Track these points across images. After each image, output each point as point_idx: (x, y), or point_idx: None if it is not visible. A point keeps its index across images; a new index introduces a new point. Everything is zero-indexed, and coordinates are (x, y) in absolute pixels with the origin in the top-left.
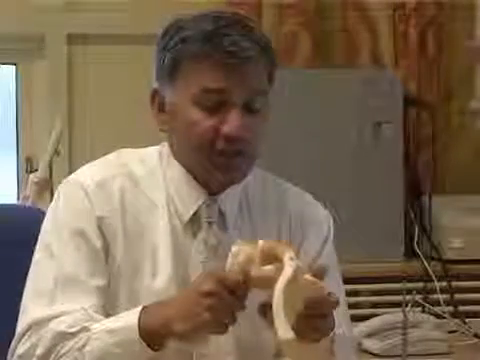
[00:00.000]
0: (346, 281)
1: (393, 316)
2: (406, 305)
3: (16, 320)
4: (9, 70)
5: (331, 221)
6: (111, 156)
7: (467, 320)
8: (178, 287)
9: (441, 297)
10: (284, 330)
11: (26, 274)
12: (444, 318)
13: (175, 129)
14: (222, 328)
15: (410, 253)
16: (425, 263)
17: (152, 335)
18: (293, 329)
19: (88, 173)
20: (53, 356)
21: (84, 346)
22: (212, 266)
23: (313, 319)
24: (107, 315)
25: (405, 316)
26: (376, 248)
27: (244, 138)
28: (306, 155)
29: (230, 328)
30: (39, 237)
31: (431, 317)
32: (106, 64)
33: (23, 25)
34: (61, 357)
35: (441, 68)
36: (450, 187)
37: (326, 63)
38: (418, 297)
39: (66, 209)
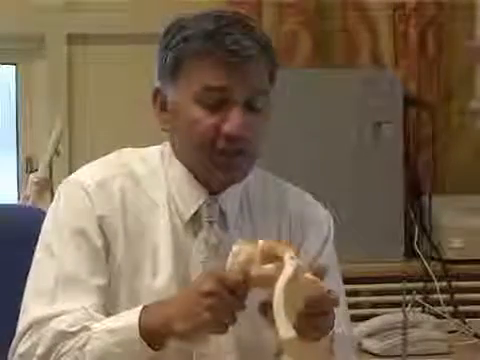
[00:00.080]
0: (346, 281)
1: (393, 316)
2: (406, 305)
3: (16, 320)
4: (9, 70)
5: (331, 221)
6: (111, 156)
7: (467, 320)
8: (178, 286)
9: (441, 297)
10: (285, 329)
11: (26, 274)
12: (444, 318)
13: (177, 128)
14: (222, 328)
15: (410, 253)
16: (425, 263)
17: (152, 334)
18: (294, 328)
19: (88, 173)
20: (54, 355)
21: (85, 345)
22: (212, 266)
23: (314, 317)
24: (108, 314)
25: (405, 316)
26: (376, 248)
27: (245, 137)
28: (306, 155)
29: (230, 328)
30: (40, 237)
31: (431, 317)
32: (106, 64)
33: (23, 25)
34: (62, 356)
35: (441, 68)
36: (450, 187)
37: (326, 63)
38: (418, 297)
39: (66, 209)
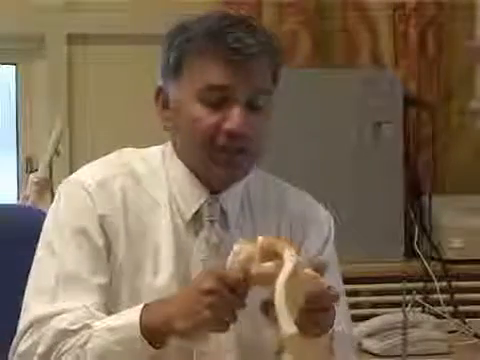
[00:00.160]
0: (346, 281)
1: (393, 316)
2: (406, 305)
3: (17, 319)
4: (9, 70)
5: (332, 222)
6: (112, 156)
7: (467, 320)
8: (179, 285)
9: (441, 297)
10: (287, 325)
11: (26, 274)
12: (444, 318)
13: (178, 126)
14: (223, 326)
15: (410, 253)
16: (425, 263)
17: (153, 333)
18: (296, 324)
19: (89, 173)
20: (55, 354)
21: (86, 343)
22: (213, 265)
23: (314, 313)
24: (109, 313)
25: (405, 316)
26: (376, 248)
27: (246, 135)
28: (306, 155)
29: (231, 326)
30: (41, 236)
31: (431, 317)
32: (106, 64)
33: (23, 25)
34: (63, 355)
35: (441, 68)
36: (450, 187)
37: (326, 63)
38: (418, 297)
39: (67, 209)
